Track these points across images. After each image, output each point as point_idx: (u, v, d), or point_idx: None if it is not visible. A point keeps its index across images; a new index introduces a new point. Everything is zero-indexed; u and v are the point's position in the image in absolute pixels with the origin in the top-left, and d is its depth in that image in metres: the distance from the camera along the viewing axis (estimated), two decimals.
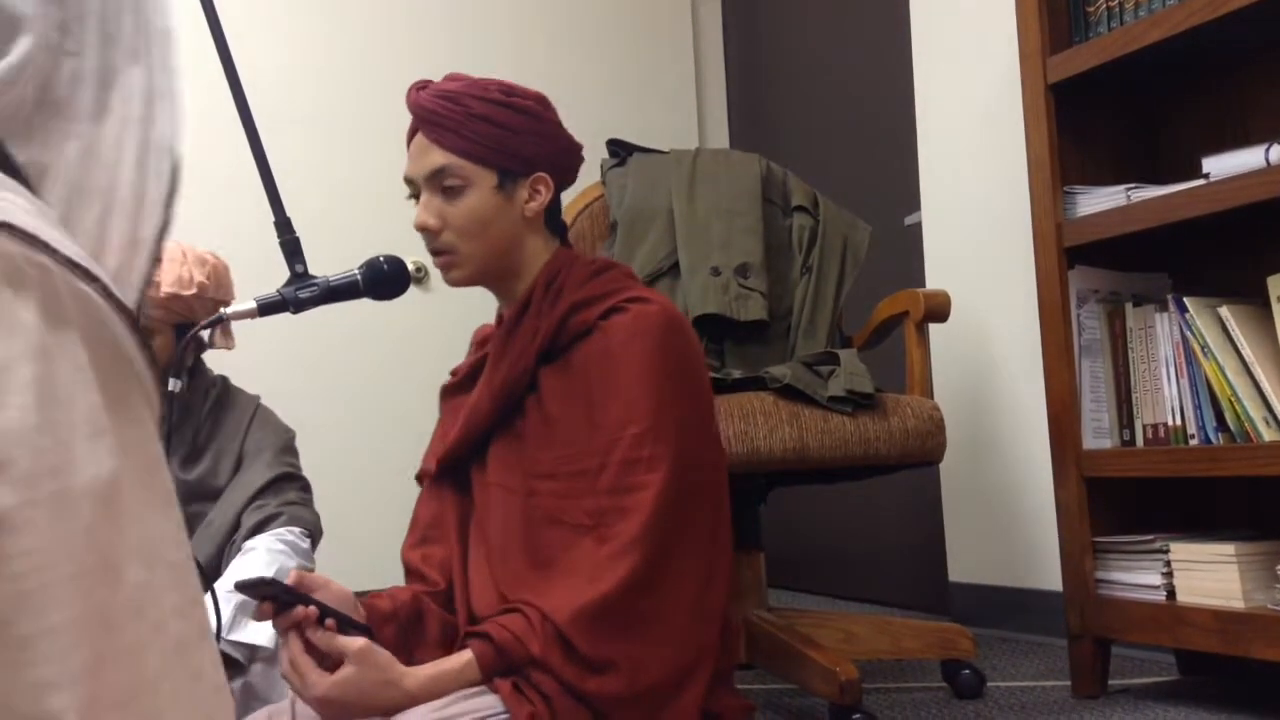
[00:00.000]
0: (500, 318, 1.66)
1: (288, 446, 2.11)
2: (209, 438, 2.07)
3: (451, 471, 1.62)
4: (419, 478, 1.70)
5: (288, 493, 2.03)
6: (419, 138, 1.55)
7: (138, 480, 0.54)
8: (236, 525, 1.98)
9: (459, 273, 1.56)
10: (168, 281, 1.97)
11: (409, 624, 1.52)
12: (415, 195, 1.56)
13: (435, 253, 1.55)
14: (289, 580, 1.37)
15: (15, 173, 0.59)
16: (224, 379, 2.16)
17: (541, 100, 1.57)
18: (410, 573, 1.61)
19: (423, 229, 1.53)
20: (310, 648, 1.33)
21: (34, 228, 0.53)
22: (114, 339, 0.56)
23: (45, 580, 0.49)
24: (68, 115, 0.64)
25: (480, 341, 1.70)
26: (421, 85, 1.56)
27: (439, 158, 1.52)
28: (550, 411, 1.53)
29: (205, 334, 2.14)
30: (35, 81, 0.62)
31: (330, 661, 1.33)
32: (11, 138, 0.61)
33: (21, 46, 0.62)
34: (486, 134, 1.51)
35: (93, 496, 0.51)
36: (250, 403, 2.14)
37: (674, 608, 1.41)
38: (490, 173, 1.52)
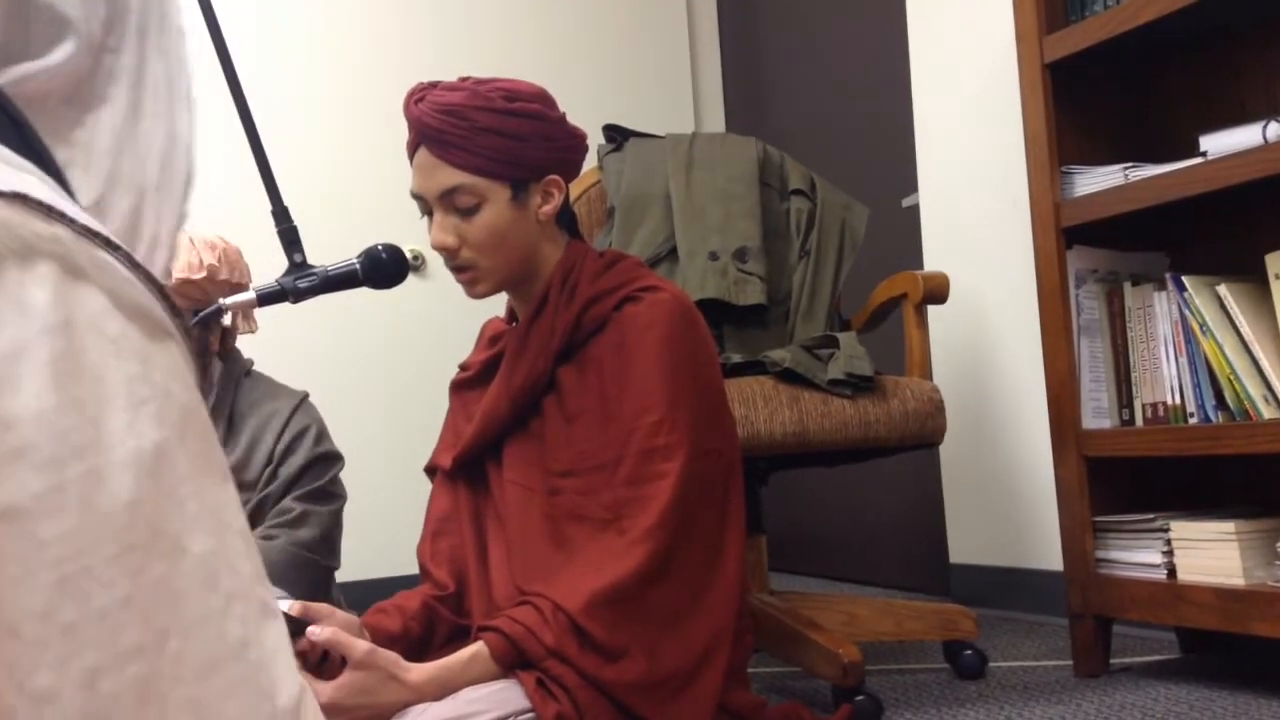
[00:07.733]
0: (511, 315, 1.65)
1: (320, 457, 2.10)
2: (243, 422, 2.05)
3: (466, 467, 1.62)
4: (429, 471, 1.69)
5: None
6: (425, 154, 1.50)
7: (189, 449, 0.52)
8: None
9: (483, 286, 1.55)
10: (178, 268, 1.95)
11: (420, 638, 1.51)
12: (426, 212, 1.53)
13: (456, 269, 1.53)
14: (294, 611, 1.35)
15: (49, 167, 0.58)
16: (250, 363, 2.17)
17: (543, 99, 1.53)
18: (421, 569, 1.61)
19: (441, 249, 1.51)
20: (315, 667, 1.31)
21: (50, 199, 0.52)
22: (146, 307, 0.54)
23: (86, 563, 0.48)
24: (100, 110, 0.63)
25: (492, 338, 1.68)
26: (418, 96, 1.51)
27: (451, 177, 1.48)
28: (570, 409, 1.52)
29: (227, 318, 2.14)
30: (71, 78, 0.61)
31: (330, 671, 1.30)
32: (44, 133, 0.60)
33: (65, 49, 0.61)
34: (496, 147, 1.47)
35: (136, 469, 0.50)
36: (293, 397, 2.12)
37: (690, 593, 1.41)
38: (504, 186, 1.50)
